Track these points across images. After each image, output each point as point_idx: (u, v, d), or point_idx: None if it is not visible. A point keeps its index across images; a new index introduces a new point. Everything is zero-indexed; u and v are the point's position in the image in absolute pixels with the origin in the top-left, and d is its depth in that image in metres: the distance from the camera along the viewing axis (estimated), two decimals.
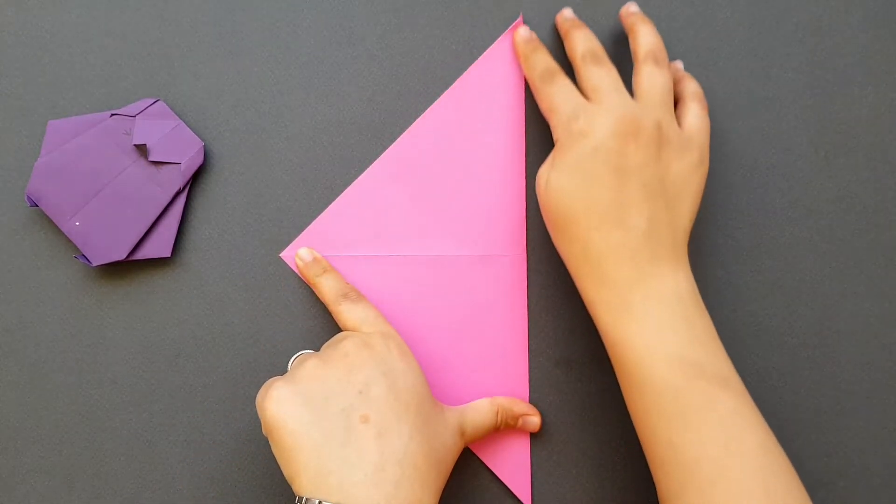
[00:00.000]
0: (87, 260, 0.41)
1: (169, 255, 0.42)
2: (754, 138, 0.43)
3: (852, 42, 0.43)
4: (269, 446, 0.41)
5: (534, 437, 0.42)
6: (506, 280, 0.42)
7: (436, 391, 0.41)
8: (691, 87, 0.40)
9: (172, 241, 0.42)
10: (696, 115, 0.38)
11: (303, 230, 0.43)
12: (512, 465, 0.41)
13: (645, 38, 0.38)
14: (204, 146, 0.42)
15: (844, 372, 0.42)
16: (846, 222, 0.43)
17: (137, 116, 0.42)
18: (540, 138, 0.43)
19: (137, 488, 0.41)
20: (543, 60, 0.39)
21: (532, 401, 0.42)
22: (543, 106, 0.38)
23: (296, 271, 0.42)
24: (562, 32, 0.41)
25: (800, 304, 0.42)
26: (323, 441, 0.32)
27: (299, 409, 0.32)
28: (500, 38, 0.43)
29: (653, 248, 0.35)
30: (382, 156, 0.43)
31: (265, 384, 0.35)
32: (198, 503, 0.41)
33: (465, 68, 0.43)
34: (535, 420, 0.40)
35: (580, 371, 0.42)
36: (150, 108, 0.42)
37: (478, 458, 0.41)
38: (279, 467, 0.41)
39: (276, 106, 0.43)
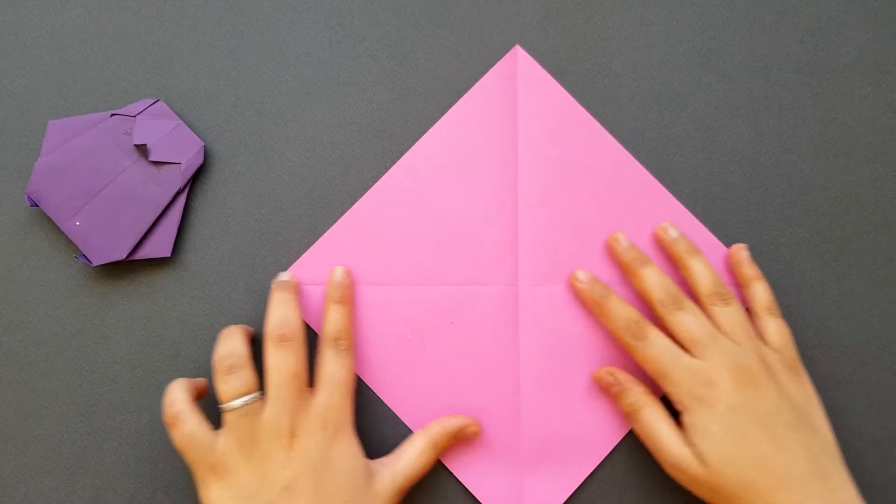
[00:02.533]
0: (88, 260, 0.41)
1: (169, 255, 0.42)
2: (754, 138, 0.43)
3: (852, 42, 0.43)
4: None
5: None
6: (497, 310, 0.41)
7: (426, 417, 0.41)
8: (761, 297, 0.40)
9: (172, 241, 0.42)
10: (777, 328, 0.39)
11: (302, 230, 0.43)
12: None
13: (702, 276, 0.39)
14: (204, 146, 0.42)
15: (844, 372, 0.42)
16: (846, 222, 0.43)
17: (138, 116, 0.42)
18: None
19: (137, 488, 0.41)
20: (625, 311, 0.38)
21: (525, 427, 0.41)
22: (646, 368, 0.38)
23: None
24: (628, 271, 0.40)
25: (800, 304, 0.42)
26: None
27: (230, 499, 0.34)
28: (493, 68, 0.43)
29: (832, 482, 0.34)
30: (376, 185, 0.42)
31: (183, 431, 0.35)
32: (198, 503, 0.41)
33: (465, 68, 0.43)
34: (473, 429, 0.40)
35: None
36: (150, 108, 0.42)
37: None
38: None
39: (276, 106, 0.43)
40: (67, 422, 0.42)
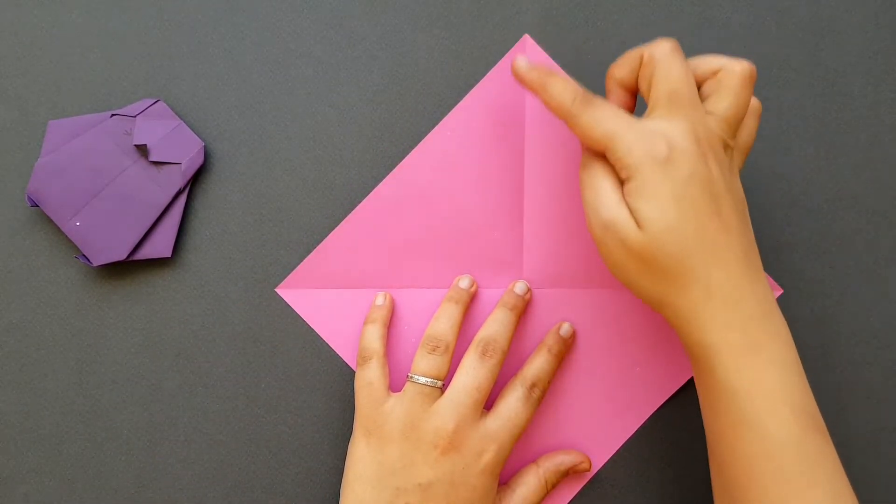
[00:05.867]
0: (88, 260, 0.41)
1: (169, 255, 0.42)
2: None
3: (852, 42, 0.43)
4: (269, 447, 0.41)
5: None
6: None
7: None
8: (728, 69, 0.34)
9: (173, 242, 0.42)
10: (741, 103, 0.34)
11: (302, 230, 0.43)
12: None
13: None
14: (204, 146, 0.42)
15: (844, 372, 0.42)
16: (846, 222, 0.43)
17: (138, 116, 0.42)
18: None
19: (137, 488, 0.41)
20: (567, 85, 0.34)
21: (529, 430, 0.41)
22: (593, 135, 0.32)
23: (292, 307, 0.42)
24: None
25: (800, 304, 0.42)
26: (371, 499, 0.35)
27: (371, 460, 0.36)
28: (499, 63, 0.43)
29: (760, 274, 0.32)
30: (379, 186, 0.42)
31: (368, 374, 0.38)
32: (198, 503, 0.41)
33: (465, 67, 0.43)
34: (585, 466, 0.39)
35: None
36: (150, 108, 0.42)
37: None
38: (279, 467, 0.41)
39: (276, 106, 0.43)
40: (67, 422, 0.42)
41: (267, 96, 0.43)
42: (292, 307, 0.42)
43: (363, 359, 0.38)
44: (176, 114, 0.43)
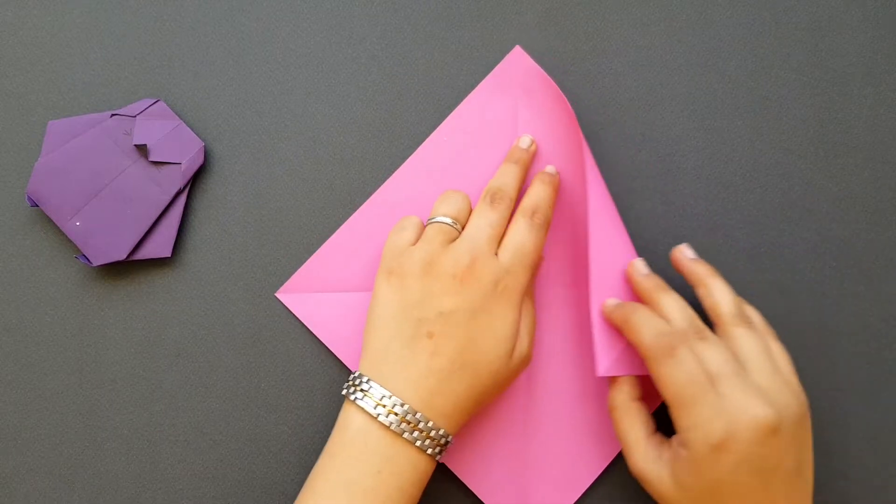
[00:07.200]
0: (88, 260, 0.41)
1: (169, 255, 0.42)
2: (754, 138, 0.43)
3: (852, 42, 0.43)
4: (269, 447, 0.42)
5: None
6: None
7: None
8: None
9: (172, 241, 0.42)
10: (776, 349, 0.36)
11: (302, 231, 0.43)
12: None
13: (723, 297, 0.36)
14: (204, 146, 0.42)
15: (844, 372, 0.42)
16: (846, 222, 0.43)
17: (138, 116, 0.42)
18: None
19: (137, 488, 0.41)
20: (656, 322, 0.35)
21: (532, 431, 0.41)
22: (665, 391, 0.34)
23: (292, 312, 0.42)
24: (647, 299, 0.37)
25: (800, 304, 0.42)
26: (393, 334, 0.36)
27: (392, 298, 0.37)
28: (493, 70, 0.43)
29: None
30: (377, 191, 0.42)
31: (402, 236, 0.39)
32: (198, 503, 0.41)
33: (465, 68, 0.43)
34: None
35: None
36: (150, 108, 0.42)
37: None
38: (279, 467, 0.41)
39: (276, 106, 0.43)
40: (67, 422, 0.42)
41: (267, 96, 0.43)
42: (292, 311, 0.42)
43: (399, 229, 0.40)
44: (176, 114, 0.43)
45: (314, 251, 0.42)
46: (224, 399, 0.42)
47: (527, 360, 0.38)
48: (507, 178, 0.40)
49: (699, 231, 0.42)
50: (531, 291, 0.39)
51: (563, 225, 0.42)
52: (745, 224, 0.43)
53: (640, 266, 0.39)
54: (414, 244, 0.38)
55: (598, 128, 0.43)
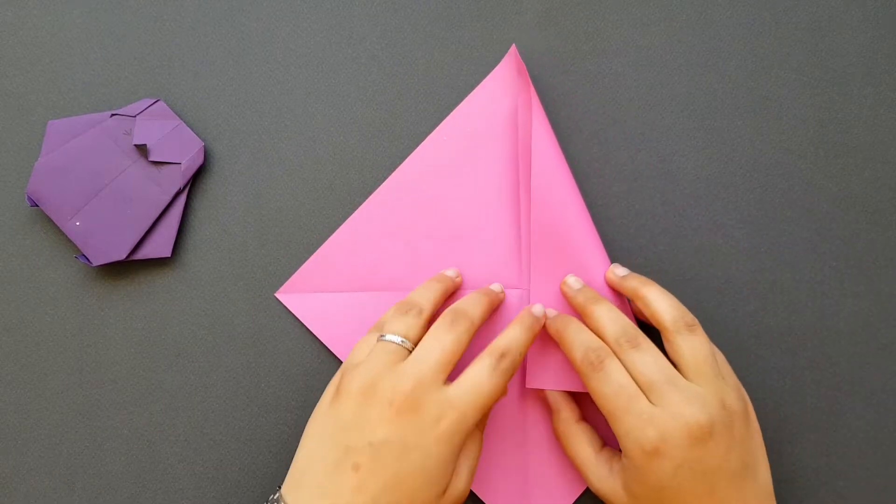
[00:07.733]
0: (88, 260, 0.41)
1: (169, 255, 0.42)
2: (754, 138, 0.43)
3: (852, 42, 0.43)
4: (269, 447, 0.41)
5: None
6: (511, 314, 0.41)
7: None
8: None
9: (172, 241, 0.42)
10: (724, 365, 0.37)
11: (302, 231, 0.43)
12: None
13: (662, 304, 0.36)
14: (204, 146, 0.42)
15: (844, 372, 0.42)
16: (846, 222, 0.43)
17: (137, 116, 0.42)
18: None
19: (137, 488, 0.41)
20: (585, 337, 0.36)
21: (532, 431, 0.41)
22: (598, 403, 0.35)
23: (292, 312, 0.42)
24: (581, 311, 0.38)
25: (800, 304, 0.42)
26: (318, 456, 0.33)
27: (328, 414, 0.34)
28: (493, 71, 0.43)
29: None
30: (376, 192, 0.42)
31: (367, 347, 0.36)
32: (197, 503, 0.41)
33: (465, 68, 0.43)
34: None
35: None
36: (150, 108, 0.42)
37: None
38: (279, 467, 0.41)
39: (276, 106, 0.43)
40: (67, 422, 0.42)
41: (267, 96, 0.43)
42: (291, 311, 0.42)
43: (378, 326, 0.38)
44: (176, 114, 0.43)
45: (314, 251, 0.42)
46: (224, 399, 0.42)
47: (461, 498, 0.35)
48: (472, 301, 0.37)
49: (699, 231, 0.42)
50: (483, 422, 0.37)
51: (568, 216, 0.41)
52: (745, 224, 0.43)
53: (572, 282, 0.39)
54: (368, 351, 0.36)
55: (598, 128, 0.43)
